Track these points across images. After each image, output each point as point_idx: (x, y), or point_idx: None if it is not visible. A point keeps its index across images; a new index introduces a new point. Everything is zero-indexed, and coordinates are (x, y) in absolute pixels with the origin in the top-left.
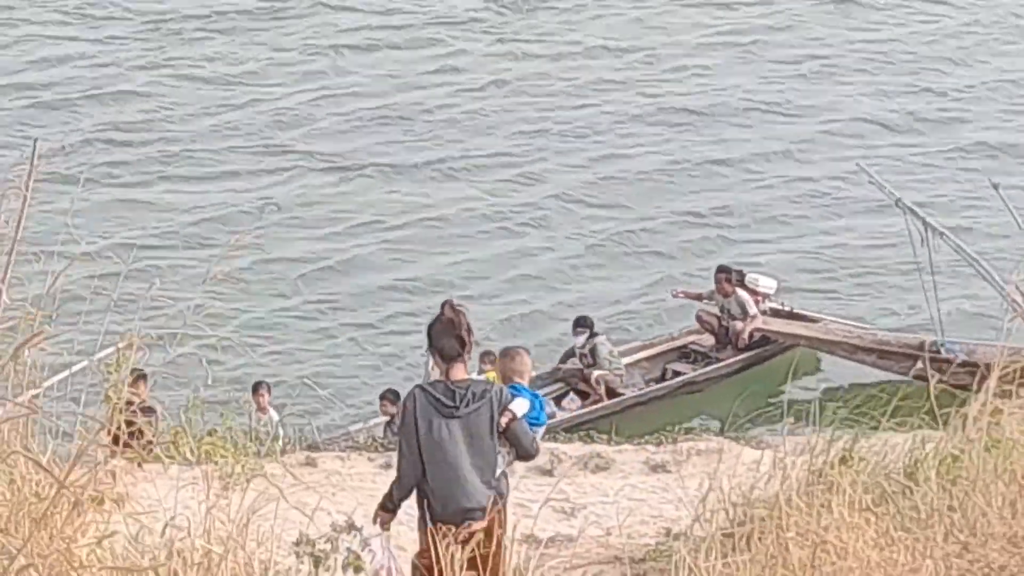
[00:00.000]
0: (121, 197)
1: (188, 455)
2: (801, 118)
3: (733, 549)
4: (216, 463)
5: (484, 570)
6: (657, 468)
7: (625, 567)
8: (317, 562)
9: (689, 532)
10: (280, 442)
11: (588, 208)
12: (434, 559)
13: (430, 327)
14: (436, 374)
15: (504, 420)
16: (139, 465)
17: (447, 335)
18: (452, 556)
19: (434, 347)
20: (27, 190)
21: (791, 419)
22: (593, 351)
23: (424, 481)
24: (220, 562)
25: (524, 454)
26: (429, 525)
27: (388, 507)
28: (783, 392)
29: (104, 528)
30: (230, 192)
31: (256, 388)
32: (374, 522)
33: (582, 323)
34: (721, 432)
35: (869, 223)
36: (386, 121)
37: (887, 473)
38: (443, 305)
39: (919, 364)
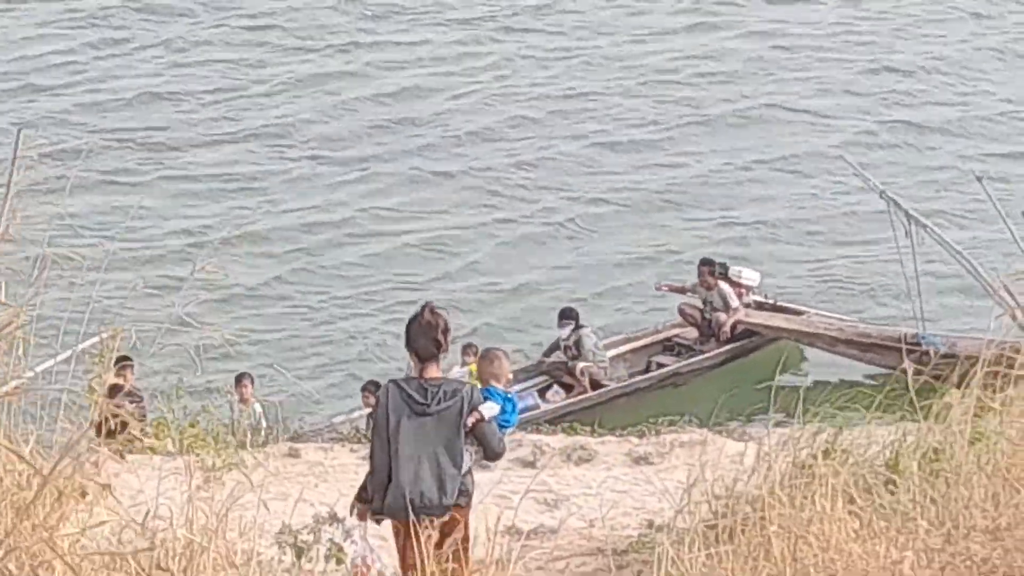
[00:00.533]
0: (111, 195)
1: (171, 446)
2: (785, 114)
3: (716, 541)
4: (198, 454)
5: (451, 563)
6: (640, 460)
7: (608, 559)
8: (299, 553)
9: (672, 524)
10: (263, 433)
11: (571, 201)
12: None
13: (408, 326)
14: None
15: (471, 420)
16: (122, 456)
17: (424, 336)
18: (413, 548)
19: (411, 346)
20: (11, 178)
21: (775, 411)
22: (578, 343)
23: (388, 473)
24: (202, 552)
25: (491, 454)
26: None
27: (363, 498)
28: (766, 385)
29: (87, 518)
30: (224, 189)
31: (239, 380)
32: (350, 514)
33: (567, 315)
34: (704, 424)
35: (853, 215)
36: (385, 124)
37: (870, 466)
38: (422, 307)
39: (900, 356)
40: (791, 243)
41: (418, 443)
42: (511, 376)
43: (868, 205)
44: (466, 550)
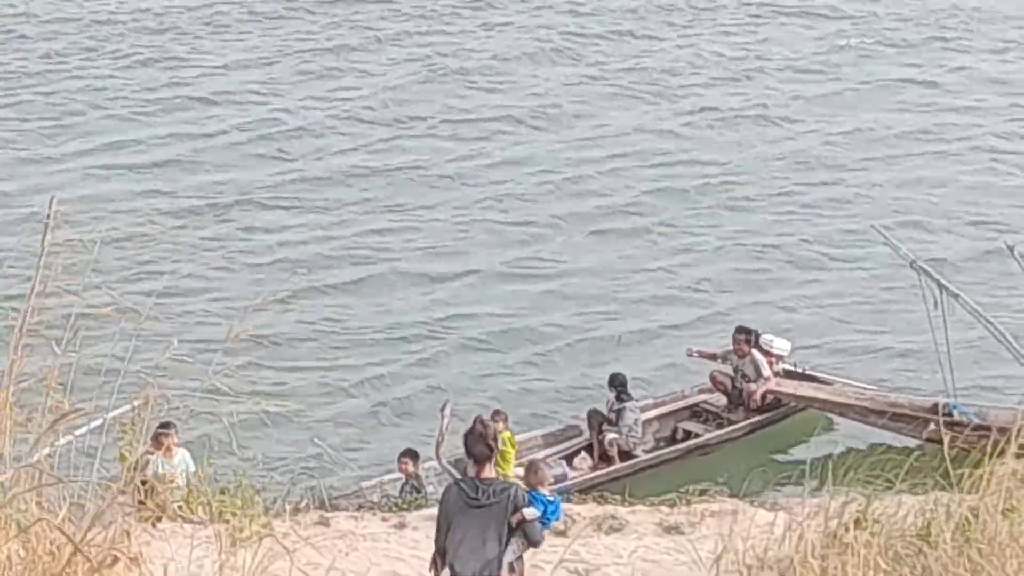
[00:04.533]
0: (142, 255)
1: (202, 513)
2: (817, 177)
3: None
4: (228, 521)
5: None
6: (671, 529)
7: None
8: None
9: None
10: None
11: (605, 264)
12: None
13: (465, 436)
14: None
15: (516, 519)
16: (154, 524)
17: (478, 443)
18: None
19: (468, 452)
20: (43, 248)
21: (806, 481)
22: (620, 413)
23: (447, 553)
24: None
25: (533, 543)
26: None
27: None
28: (796, 454)
29: None
30: (255, 242)
31: (163, 428)
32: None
33: (615, 381)
34: (735, 493)
35: (883, 284)
36: (406, 180)
37: (901, 535)
38: (475, 420)
39: (931, 426)
40: (821, 312)
41: (469, 530)
42: (551, 481)
43: (898, 273)
44: None
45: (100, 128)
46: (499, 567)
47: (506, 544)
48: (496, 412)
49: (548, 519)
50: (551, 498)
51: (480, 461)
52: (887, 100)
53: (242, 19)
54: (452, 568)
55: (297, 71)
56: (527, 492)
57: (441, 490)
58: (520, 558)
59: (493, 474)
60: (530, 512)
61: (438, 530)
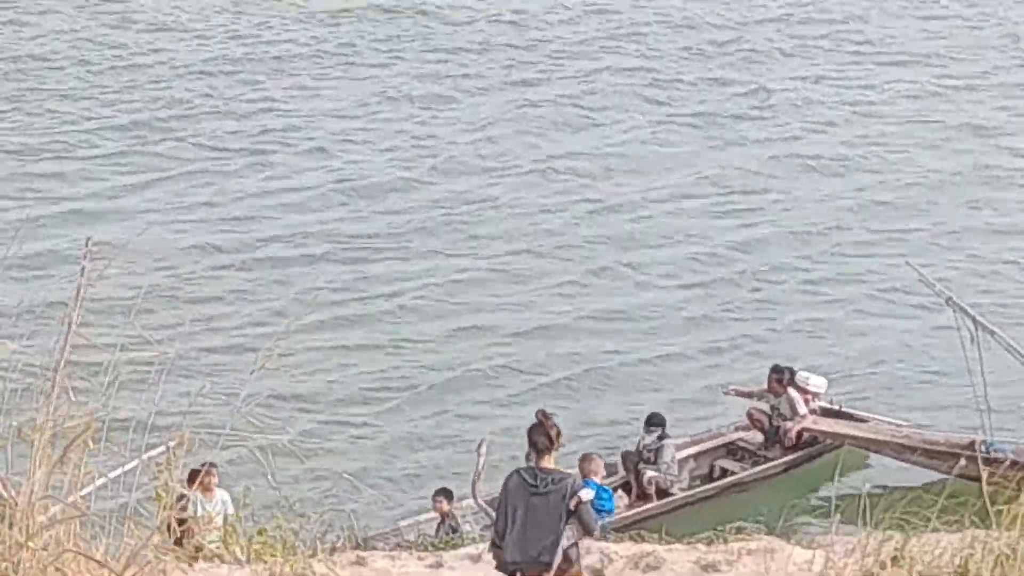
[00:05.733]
0: (176, 296)
1: (239, 554)
2: (848, 215)
3: None
4: (266, 562)
5: None
6: (708, 568)
7: None
8: None
9: None
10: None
11: (637, 302)
12: None
13: (529, 429)
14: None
15: (572, 503)
16: (190, 564)
17: (540, 434)
18: None
19: (531, 442)
20: (81, 286)
21: (842, 518)
22: (658, 452)
23: (506, 536)
24: None
25: (587, 529)
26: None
27: (496, 545)
28: (832, 491)
29: None
30: (279, 277)
31: (203, 469)
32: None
33: (655, 421)
34: (771, 531)
35: (919, 320)
36: (442, 205)
37: (939, 573)
38: (537, 412)
39: (962, 462)
40: (857, 349)
41: (528, 516)
42: (604, 473)
43: (935, 311)
44: None
45: (179, 171)
46: (555, 551)
47: (562, 530)
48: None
49: (602, 506)
50: (605, 488)
51: (541, 452)
52: (934, 142)
53: (333, 64)
54: (510, 552)
55: (382, 117)
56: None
57: (478, 528)
58: (576, 545)
59: (552, 465)
60: (585, 493)
61: (498, 515)
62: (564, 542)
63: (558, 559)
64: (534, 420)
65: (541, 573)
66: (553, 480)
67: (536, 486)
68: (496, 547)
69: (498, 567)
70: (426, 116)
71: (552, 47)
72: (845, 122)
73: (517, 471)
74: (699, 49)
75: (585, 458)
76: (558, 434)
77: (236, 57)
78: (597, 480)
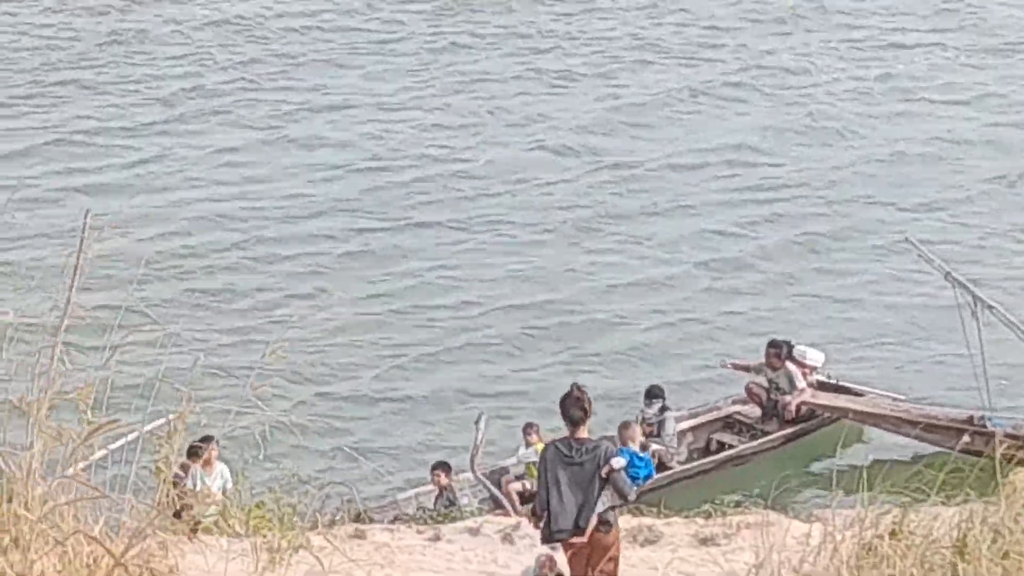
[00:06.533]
0: (182, 268)
1: (238, 527)
2: (849, 189)
3: None
4: (264, 536)
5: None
6: (706, 541)
7: None
8: None
9: None
10: (228, 496)
11: (638, 275)
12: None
13: (562, 400)
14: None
15: (605, 470)
16: (189, 538)
17: (574, 406)
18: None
19: (564, 415)
20: (79, 261)
21: (839, 491)
22: (661, 424)
23: (547, 507)
24: None
25: (622, 495)
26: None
27: (537, 514)
28: (830, 465)
29: None
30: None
31: (204, 442)
32: (533, 526)
33: (655, 393)
34: (769, 505)
35: (918, 295)
36: (460, 176)
37: (937, 547)
38: (571, 386)
39: (965, 438)
40: (855, 324)
41: (567, 485)
42: (642, 439)
43: (932, 285)
44: (616, 564)
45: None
46: (591, 516)
47: (597, 497)
48: (529, 425)
49: (637, 474)
50: (641, 455)
51: (576, 423)
52: (937, 114)
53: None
54: (553, 521)
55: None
56: (618, 448)
57: (475, 501)
58: (612, 509)
59: (586, 435)
60: (617, 461)
61: (539, 487)
62: (599, 507)
63: (592, 523)
64: (569, 392)
65: (579, 537)
66: (587, 449)
67: (571, 456)
68: (539, 517)
69: (542, 538)
70: (439, 89)
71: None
72: (852, 96)
73: (553, 443)
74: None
75: (624, 425)
76: (590, 404)
77: (255, 23)
78: (634, 447)
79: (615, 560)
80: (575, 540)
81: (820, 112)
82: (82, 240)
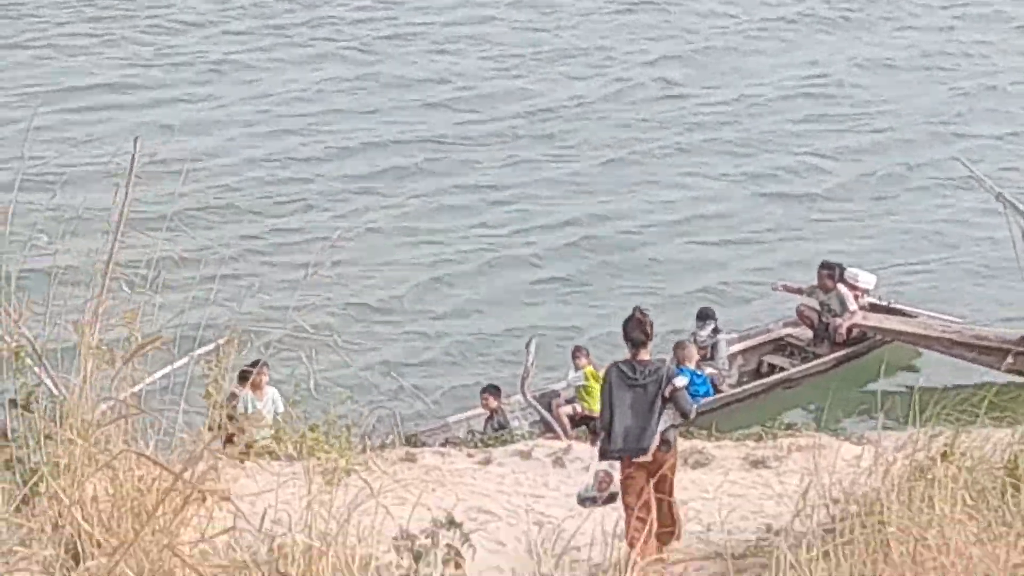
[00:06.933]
0: (222, 195)
1: (290, 450)
2: (900, 111)
3: (834, 545)
4: (318, 459)
5: (656, 489)
6: (757, 464)
7: (726, 563)
8: (417, 557)
9: (789, 528)
10: (280, 420)
11: (686, 198)
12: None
13: (625, 323)
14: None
15: (668, 390)
16: (241, 461)
17: (637, 329)
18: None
19: (627, 337)
20: (128, 185)
21: (890, 414)
22: (714, 347)
23: (610, 426)
24: (321, 557)
25: (683, 412)
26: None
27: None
28: (881, 387)
29: (207, 525)
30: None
31: (255, 367)
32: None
33: (707, 315)
34: (820, 427)
35: (969, 216)
36: (496, 137)
37: (989, 469)
38: (634, 309)
39: (1009, 359)
40: (906, 246)
41: (629, 406)
42: (698, 358)
43: (985, 206)
44: (671, 484)
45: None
46: (654, 436)
47: (660, 416)
48: (577, 348)
49: (698, 391)
50: (699, 372)
51: (637, 345)
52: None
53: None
54: (616, 441)
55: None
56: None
57: (526, 424)
58: (674, 427)
59: (648, 357)
60: (679, 380)
61: (602, 408)
62: (661, 426)
63: (655, 443)
64: (631, 315)
65: (640, 456)
66: (650, 371)
67: (635, 378)
68: (599, 436)
69: (602, 455)
70: (508, 26)
71: None
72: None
73: (616, 364)
74: None
75: (679, 345)
76: (651, 327)
77: None
78: (691, 366)
79: (670, 481)
80: (640, 459)
81: (905, 45)
82: (132, 164)
